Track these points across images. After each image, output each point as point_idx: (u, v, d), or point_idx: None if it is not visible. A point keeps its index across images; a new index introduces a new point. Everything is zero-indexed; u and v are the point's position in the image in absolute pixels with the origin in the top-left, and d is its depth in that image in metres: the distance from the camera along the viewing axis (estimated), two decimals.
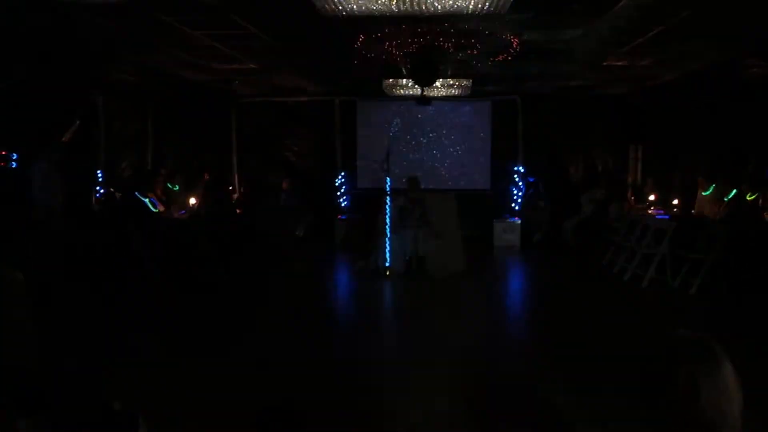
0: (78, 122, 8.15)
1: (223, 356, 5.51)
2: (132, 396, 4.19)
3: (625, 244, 9.22)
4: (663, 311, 7.38)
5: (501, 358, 5.63)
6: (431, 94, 10.15)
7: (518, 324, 7.12)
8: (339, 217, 12.79)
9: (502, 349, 6.00)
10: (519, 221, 12.47)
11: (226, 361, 5.38)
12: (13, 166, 7.10)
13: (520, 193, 12.76)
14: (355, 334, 6.50)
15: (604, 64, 8.96)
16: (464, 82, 10.08)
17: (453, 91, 10.55)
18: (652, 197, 10.43)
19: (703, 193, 9.45)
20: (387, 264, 9.42)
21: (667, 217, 9.31)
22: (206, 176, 11.07)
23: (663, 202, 10.27)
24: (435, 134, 13.19)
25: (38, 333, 2.15)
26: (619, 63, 8.90)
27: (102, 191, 9.61)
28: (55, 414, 1.62)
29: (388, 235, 9.49)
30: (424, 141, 13.19)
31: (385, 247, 9.46)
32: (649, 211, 9.97)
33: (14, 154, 7.16)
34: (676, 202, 9.86)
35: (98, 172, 9.59)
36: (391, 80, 9.99)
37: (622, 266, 9.07)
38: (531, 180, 12.81)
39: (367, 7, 4.96)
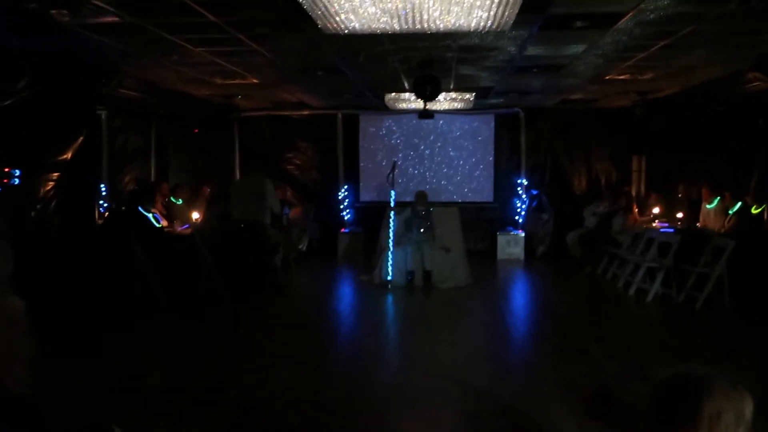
0: (82, 138, 8.16)
1: (223, 375, 5.47)
2: (130, 418, 4.19)
3: (629, 257, 9.18)
4: (669, 328, 7.33)
5: (504, 378, 5.57)
6: (434, 108, 10.17)
7: (522, 340, 7.07)
8: (342, 230, 12.78)
9: (506, 367, 5.95)
10: (522, 234, 12.46)
11: (226, 380, 5.34)
12: (16, 183, 7.10)
13: (523, 206, 12.75)
14: (357, 351, 6.46)
15: (607, 78, 8.96)
16: (467, 96, 10.12)
17: (455, 104, 10.60)
18: (656, 210, 10.39)
19: (708, 206, 9.42)
20: (390, 278, 9.40)
21: (671, 230, 9.27)
22: (209, 190, 11.07)
23: (667, 215, 10.23)
24: (438, 148, 13.19)
25: (33, 358, 2.14)
26: (622, 77, 8.91)
27: (105, 206, 9.62)
28: None
29: (392, 249, 9.48)
30: (427, 154, 13.19)
31: (389, 261, 9.45)
32: (654, 224, 9.94)
33: (17, 171, 7.16)
34: (680, 215, 9.82)
35: (101, 186, 9.61)
36: (393, 94, 10.03)
37: (627, 280, 9.03)
38: (534, 193, 12.81)
39: (369, 26, 4.97)
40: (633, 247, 9.62)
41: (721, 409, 1.48)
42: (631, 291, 8.72)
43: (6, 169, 7.02)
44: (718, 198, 9.18)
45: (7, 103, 6.86)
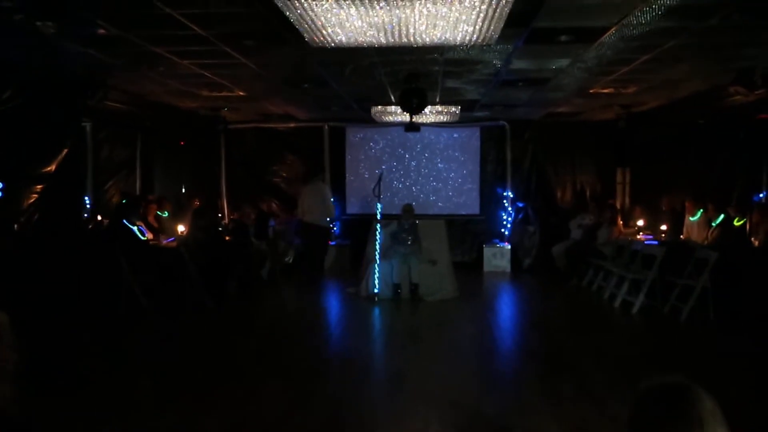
0: (66, 150, 8.09)
1: (208, 390, 5.42)
2: None
3: (614, 269, 9.24)
4: (655, 339, 7.38)
5: (492, 390, 5.57)
6: (420, 121, 10.21)
7: (510, 353, 7.07)
8: (328, 242, 12.74)
9: (494, 380, 5.95)
10: (509, 246, 12.51)
11: (212, 395, 5.29)
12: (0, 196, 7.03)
13: (509, 218, 12.81)
14: (344, 364, 6.43)
15: (591, 91, 9.06)
16: (452, 109, 10.16)
17: (441, 117, 10.62)
18: (640, 222, 10.48)
19: (691, 219, 9.51)
20: (377, 290, 9.38)
21: (655, 242, 9.36)
22: (196, 203, 11.01)
23: (651, 227, 10.32)
24: (424, 160, 13.23)
25: (18, 373, 2.10)
26: (606, 90, 9.01)
27: (89, 218, 9.53)
28: None
29: (378, 262, 9.47)
30: (414, 167, 13.23)
31: (375, 273, 9.44)
32: (638, 237, 10.02)
33: (0, 183, 7.08)
34: (664, 227, 9.91)
35: (86, 198, 9.52)
36: (380, 107, 10.06)
37: (612, 292, 9.08)
38: (520, 205, 12.88)
39: (355, 39, 4.99)
40: (618, 259, 9.69)
41: (710, 412, 1.54)
42: (617, 303, 8.77)
43: None
44: (701, 210, 9.27)
45: None
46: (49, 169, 7.84)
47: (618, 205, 12.32)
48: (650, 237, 9.86)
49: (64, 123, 8.16)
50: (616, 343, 7.18)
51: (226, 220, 12.37)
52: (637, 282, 8.62)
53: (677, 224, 9.86)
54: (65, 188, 8.15)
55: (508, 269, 12.31)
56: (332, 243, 12.72)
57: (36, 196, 7.67)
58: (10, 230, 7.29)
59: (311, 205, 10.66)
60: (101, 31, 5.63)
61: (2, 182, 7.05)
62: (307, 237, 11.07)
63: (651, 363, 6.17)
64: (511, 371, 6.28)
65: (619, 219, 11.00)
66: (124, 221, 8.56)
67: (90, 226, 9.21)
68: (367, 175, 13.16)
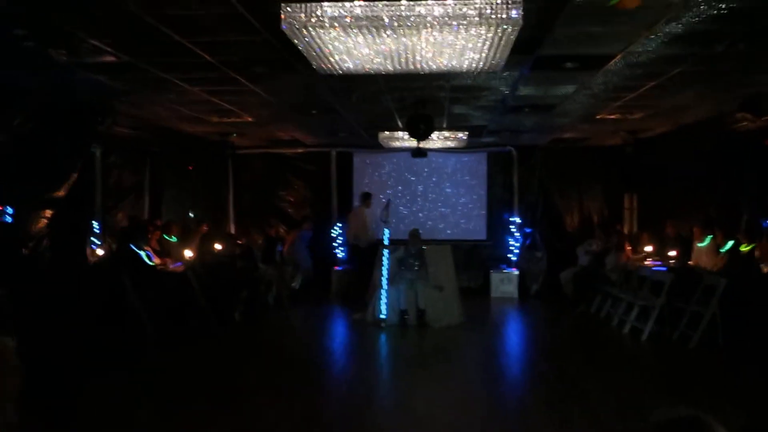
0: (76, 175, 8.15)
1: (213, 414, 5.38)
2: None
3: (622, 296, 9.17)
4: (664, 366, 7.29)
5: (499, 418, 5.51)
6: (427, 147, 10.25)
7: (517, 380, 7.01)
8: (335, 267, 12.74)
9: (501, 407, 5.89)
10: (516, 272, 12.45)
11: (216, 420, 5.25)
12: (9, 221, 7.06)
13: (516, 244, 12.77)
14: (349, 390, 6.38)
15: (597, 117, 9.09)
16: (459, 135, 10.20)
17: (449, 143, 10.67)
18: (648, 248, 10.42)
19: (699, 245, 9.45)
20: (384, 316, 9.34)
21: (664, 268, 9.29)
22: (204, 228, 11.05)
23: (659, 253, 10.26)
24: (431, 186, 13.26)
25: (23, 398, 2.10)
26: (612, 116, 9.04)
27: (98, 243, 9.55)
28: None
29: (385, 287, 9.44)
30: (421, 192, 13.25)
31: (382, 299, 9.40)
32: (646, 262, 9.96)
33: (9, 208, 7.12)
34: (673, 253, 9.84)
35: (94, 223, 9.56)
36: (387, 132, 10.11)
37: (621, 318, 9.00)
38: (527, 231, 12.84)
39: (363, 66, 5.04)
40: (626, 285, 9.62)
41: None
42: (626, 329, 8.69)
43: None
44: (710, 236, 9.22)
45: (1, 140, 6.87)
46: (58, 193, 7.90)
47: (625, 231, 12.27)
48: (658, 263, 9.80)
49: (73, 148, 8.23)
50: (625, 370, 7.10)
51: (234, 245, 12.37)
52: (646, 308, 8.55)
53: (685, 250, 9.80)
54: (74, 213, 8.20)
55: (516, 295, 12.24)
56: (339, 268, 12.71)
57: (45, 220, 7.71)
58: (19, 255, 7.33)
59: (354, 229, 11.95)
60: (112, 58, 5.72)
61: (12, 207, 7.10)
62: (354, 259, 12.30)
63: (660, 390, 6.10)
64: (518, 398, 6.21)
65: (627, 245, 10.94)
66: (132, 246, 8.58)
67: (98, 251, 9.23)
68: (374, 201, 13.18)
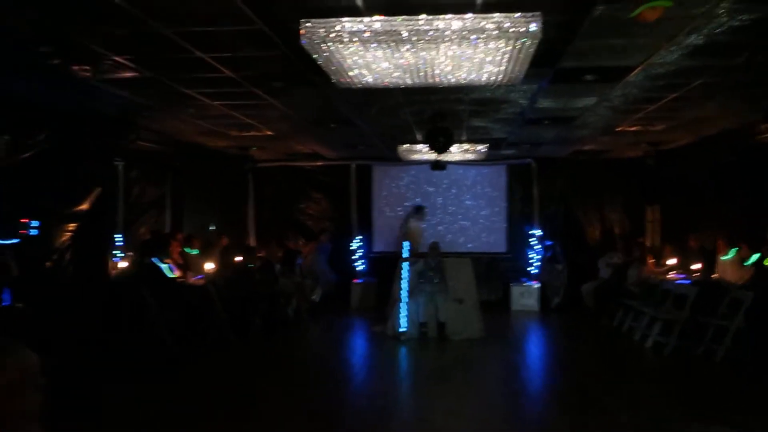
0: (99, 189, 8.27)
1: (232, 426, 5.38)
2: None
3: (645, 309, 9.04)
4: (688, 382, 7.15)
5: None
6: (446, 159, 10.24)
7: (538, 395, 6.93)
8: (355, 280, 12.74)
9: (522, 423, 5.81)
10: (537, 285, 12.35)
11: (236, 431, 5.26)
12: (34, 234, 7.18)
13: (537, 257, 12.67)
14: (369, 405, 6.35)
15: (618, 129, 9.02)
16: (479, 147, 10.19)
17: (468, 155, 10.66)
18: (671, 261, 10.28)
19: (723, 258, 9.31)
20: (403, 329, 9.30)
21: (687, 281, 9.16)
22: (224, 241, 11.12)
23: (683, 266, 10.11)
24: (451, 198, 13.25)
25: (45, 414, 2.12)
26: (633, 128, 8.97)
27: (120, 256, 9.66)
28: None
29: (405, 300, 9.41)
30: (440, 204, 13.23)
31: (402, 312, 9.37)
32: (669, 276, 9.82)
33: (35, 222, 7.24)
34: (697, 266, 9.69)
35: (117, 236, 9.68)
36: (406, 145, 10.13)
37: (644, 332, 8.88)
38: (548, 243, 12.74)
39: (382, 80, 5.06)
40: (648, 298, 9.50)
41: None
42: (649, 343, 8.56)
43: (24, 220, 7.10)
44: (735, 249, 9.07)
45: (27, 155, 7.00)
46: (82, 207, 8.02)
47: (648, 244, 12.13)
48: (682, 276, 9.66)
49: (97, 163, 8.36)
50: (648, 385, 6.98)
51: (254, 258, 12.43)
52: (669, 322, 8.42)
53: (709, 263, 9.65)
54: (98, 226, 8.31)
55: (536, 308, 12.14)
56: (359, 281, 12.71)
57: (69, 234, 7.83)
58: (43, 267, 7.43)
59: (416, 244, 11.46)
60: (134, 73, 5.80)
61: (37, 220, 7.22)
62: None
63: (685, 406, 5.98)
64: (539, 413, 6.14)
65: (649, 258, 10.81)
66: (154, 259, 8.66)
67: (120, 264, 9.33)
68: (393, 214, 13.20)
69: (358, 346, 9.83)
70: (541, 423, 5.80)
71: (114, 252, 9.36)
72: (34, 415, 2.06)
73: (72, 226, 7.86)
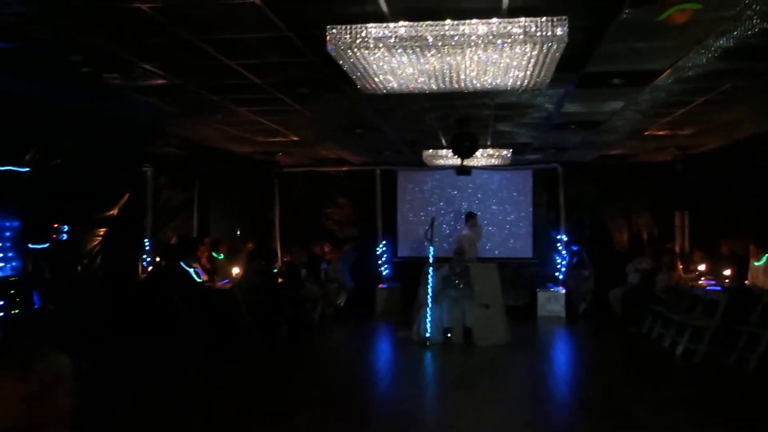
0: (128, 195, 8.40)
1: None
2: None
3: (675, 316, 8.90)
4: (720, 390, 7.01)
5: None
6: (471, 164, 10.21)
7: (564, 402, 6.85)
8: (380, 285, 12.74)
9: (547, 430, 5.76)
10: (563, 291, 12.23)
11: None
12: (64, 238, 7.31)
13: (563, 262, 12.56)
14: (394, 410, 6.34)
15: (646, 133, 8.91)
16: (504, 152, 10.13)
17: (493, 160, 10.60)
18: (701, 267, 10.11)
19: (755, 263, 9.12)
20: (429, 334, 9.28)
21: (718, 288, 8.99)
22: (250, 246, 11.20)
23: (713, 272, 9.93)
24: (476, 203, 13.19)
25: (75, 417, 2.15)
26: (661, 132, 8.85)
27: (148, 260, 9.79)
28: None
29: (430, 305, 9.39)
30: (465, 209, 13.18)
31: (427, 317, 9.35)
32: (699, 282, 9.66)
33: (66, 226, 7.38)
34: (728, 272, 9.51)
35: (145, 240, 9.81)
36: (431, 151, 10.12)
37: (674, 339, 8.74)
38: (574, 248, 12.61)
39: (407, 86, 5.07)
40: (678, 305, 9.35)
41: None
42: (678, 351, 8.41)
43: (55, 225, 7.24)
44: (767, 255, 8.89)
45: (57, 161, 7.14)
46: (111, 213, 8.16)
47: (677, 249, 11.94)
48: (712, 282, 9.49)
49: (126, 169, 8.50)
50: (677, 393, 6.87)
51: (279, 263, 12.53)
52: (700, 329, 8.27)
53: (741, 269, 9.46)
54: (127, 231, 8.44)
55: (563, 314, 12.02)
56: (383, 286, 12.71)
57: (99, 239, 7.96)
58: (74, 271, 7.56)
59: (471, 252, 11.55)
60: (163, 81, 5.89)
61: (68, 225, 7.35)
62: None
63: (715, 416, 5.87)
64: (565, 420, 6.06)
65: (679, 263, 10.64)
66: (182, 263, 8.75)
67: (149, 268, 9.45)
68: (417, 219, 13.19)
69: (383, 351, 9.83)
70: (567, 430, 5.73)
71: (143, 256, 9.49)
72: (66, 417, 2.09)
73: (102, 230, 7.99)
